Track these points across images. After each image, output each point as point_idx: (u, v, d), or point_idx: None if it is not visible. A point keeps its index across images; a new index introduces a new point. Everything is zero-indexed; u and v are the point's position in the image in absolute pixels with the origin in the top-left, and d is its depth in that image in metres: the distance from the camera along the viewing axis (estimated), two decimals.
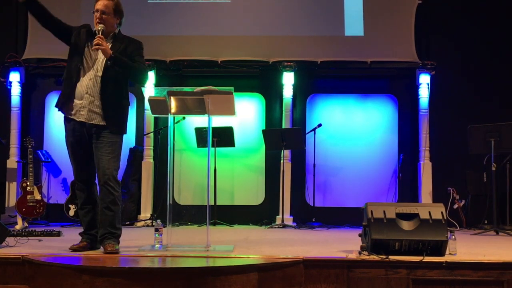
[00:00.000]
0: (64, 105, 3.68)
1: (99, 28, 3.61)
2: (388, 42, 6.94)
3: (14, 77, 6.91)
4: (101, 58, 3.63)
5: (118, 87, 3.68)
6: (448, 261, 3.25)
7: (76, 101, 3.63)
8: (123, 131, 3.75)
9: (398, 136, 7.11)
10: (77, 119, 3.64)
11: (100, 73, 3.63)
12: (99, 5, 3.66)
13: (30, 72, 7.11)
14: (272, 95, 7.22)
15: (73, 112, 3.65)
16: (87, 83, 3.62)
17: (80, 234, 3.80)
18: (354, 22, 6.98)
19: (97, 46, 3.53)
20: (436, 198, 6.60)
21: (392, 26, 6.96)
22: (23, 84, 7.00)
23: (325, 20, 7.00)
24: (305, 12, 7.01)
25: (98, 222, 3.70)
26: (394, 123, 7.15)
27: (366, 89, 7.19)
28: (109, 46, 3.63)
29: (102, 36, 3.56)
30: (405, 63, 6.95)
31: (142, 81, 3.81)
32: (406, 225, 3.44)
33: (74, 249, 3.62)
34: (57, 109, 3.74)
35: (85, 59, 3.66)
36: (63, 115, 3.72)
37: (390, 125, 7.15)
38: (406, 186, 6.95)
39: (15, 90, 6.93)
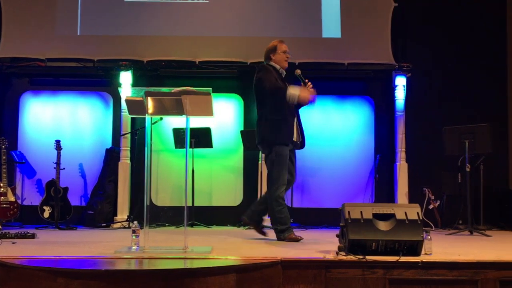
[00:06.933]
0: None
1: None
2: (365, 44, 6.99)
3: None
4: None
5: None
6: (424, 260, 3.30)
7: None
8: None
9: (374, 138, 7.17)
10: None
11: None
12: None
13: (4, 72, 6.96)
14: (250, 96, 7.15)
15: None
16: None
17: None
18: (331, 24, 7.02)
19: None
20: (412, 199, 6.67)
21: (369, 28, 7.01)
22: None
23: (303, 21, 7.02)
24: (283, 14, 7.02)
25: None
26: (370, 125, 7.21)
27: (343, 90, 7.24)
28: None
29: None
30: (382, 65, 7.01)
31: None
32: (382, 225, 3.47)
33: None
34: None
35: None
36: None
37: (367, 126, 7.21)
38: (383, 187, 7.01)
39: None
